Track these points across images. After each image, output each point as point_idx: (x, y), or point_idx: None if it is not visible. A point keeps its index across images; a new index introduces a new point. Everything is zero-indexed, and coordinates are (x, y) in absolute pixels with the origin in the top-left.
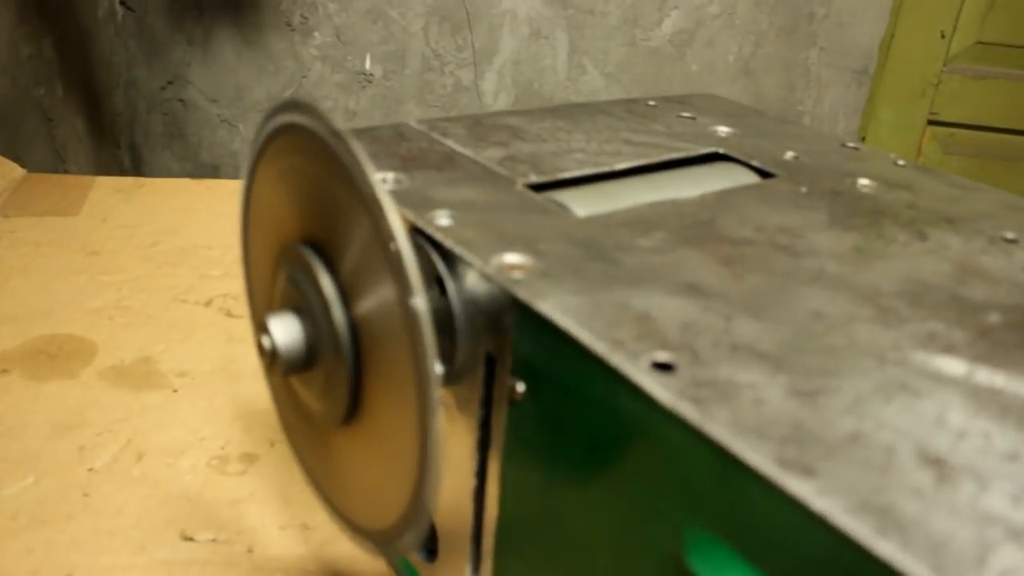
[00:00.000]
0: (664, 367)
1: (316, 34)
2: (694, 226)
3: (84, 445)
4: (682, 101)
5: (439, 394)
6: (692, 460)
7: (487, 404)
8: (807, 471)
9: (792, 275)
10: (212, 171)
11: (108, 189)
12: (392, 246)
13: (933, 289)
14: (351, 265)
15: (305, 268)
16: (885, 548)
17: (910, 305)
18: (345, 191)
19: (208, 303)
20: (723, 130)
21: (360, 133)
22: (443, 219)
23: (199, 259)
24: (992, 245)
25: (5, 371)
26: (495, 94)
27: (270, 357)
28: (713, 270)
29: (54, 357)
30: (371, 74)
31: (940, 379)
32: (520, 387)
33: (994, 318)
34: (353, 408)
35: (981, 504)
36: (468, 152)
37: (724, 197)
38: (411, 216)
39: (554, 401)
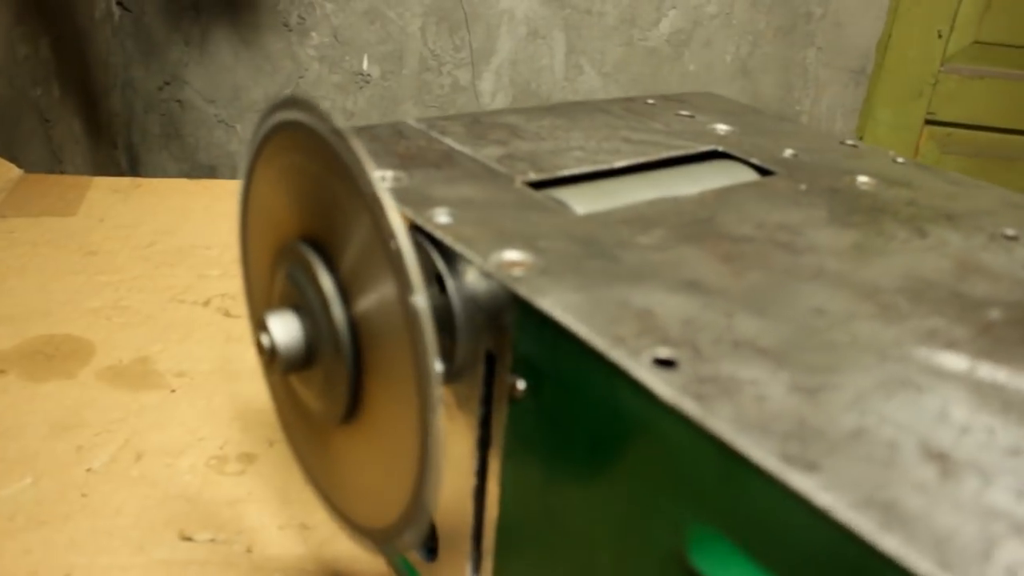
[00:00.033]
0: (666, 363)
1: (313, 34)
2: (694, 223)
3: (82, 445)
4: (681, 99)
5: (439, 392)
6: (694, 456)
7: (487, 402)
8: (810, 466)
9: (792, 272)
10: (209, 171)
11: (105, 189)
12: (392, 244)
13: (934, 286)
14: (351, 263)
15: (304, 266)
16: (889, 543)
17: (911, 302)
18: (345, 189)
19: (206, 303)
20: (722, 128)
21: (359, 131)
22: (442, 217)
23: (197, 259)
24: (992, 242)
25: (2, 371)
26: (493, 94)
27: (269, 355)
28: (713, 267)
29: (52, 357)
30: (368, 74)
31: (942, 375)
32: (520, 385)
33: (995, 314)
34: (353, 406)
35: (985, 499)
36: (467, 150)
37: (724, 195)
38: (411, 214)
39: (555, 398)
